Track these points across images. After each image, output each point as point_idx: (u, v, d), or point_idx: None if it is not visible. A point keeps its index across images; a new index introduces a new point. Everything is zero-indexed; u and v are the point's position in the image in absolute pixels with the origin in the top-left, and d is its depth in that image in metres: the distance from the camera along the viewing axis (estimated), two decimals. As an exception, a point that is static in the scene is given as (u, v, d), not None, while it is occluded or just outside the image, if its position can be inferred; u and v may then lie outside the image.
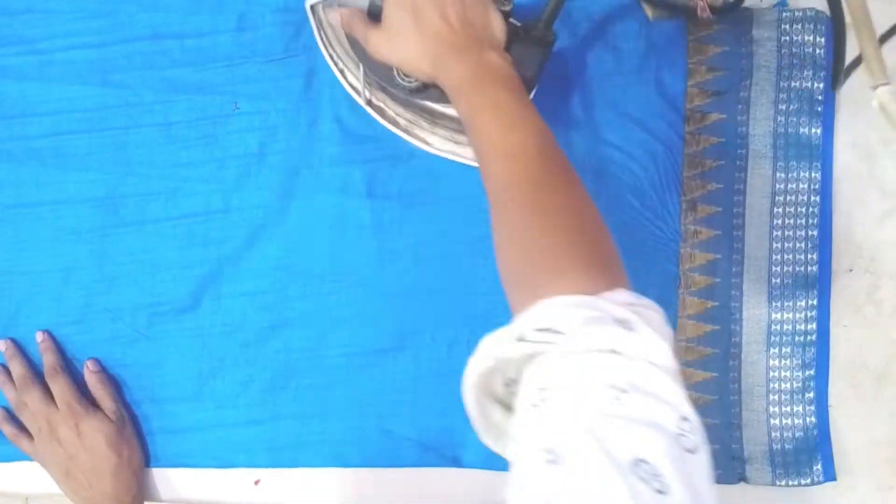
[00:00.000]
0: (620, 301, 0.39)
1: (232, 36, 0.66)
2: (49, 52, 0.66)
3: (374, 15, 0.55)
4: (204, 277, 0.66)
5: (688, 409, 0.34)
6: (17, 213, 0.67)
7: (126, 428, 0.65)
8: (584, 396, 0.34)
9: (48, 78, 0.66)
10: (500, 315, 0.65)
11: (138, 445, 0.66)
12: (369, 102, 0.64)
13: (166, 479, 0.68)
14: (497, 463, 0.66)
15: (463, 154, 0.63)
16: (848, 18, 0.48)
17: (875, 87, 0.48)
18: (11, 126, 0.66)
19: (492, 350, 0.39)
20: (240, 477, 0.67)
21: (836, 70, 0.53)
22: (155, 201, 0.66)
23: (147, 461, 0.67)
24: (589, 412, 0.33)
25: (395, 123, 0.64)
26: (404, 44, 0.53)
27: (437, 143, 0.64)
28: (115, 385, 0.66)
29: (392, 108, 0.64)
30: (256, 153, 0.66)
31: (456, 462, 0.66)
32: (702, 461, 0.33)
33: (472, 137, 0.50)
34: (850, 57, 0.52)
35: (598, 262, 0.43)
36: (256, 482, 0.67)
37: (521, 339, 0.38)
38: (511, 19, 0.56)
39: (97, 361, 0.66)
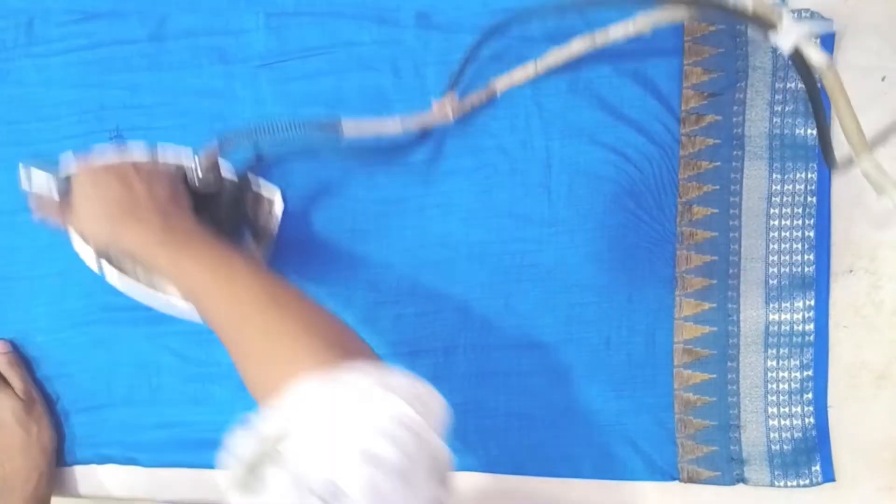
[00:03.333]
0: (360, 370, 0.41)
1: (230, 38, 0.66)
2: (46, 55, 0.67)
3: (66, 194, 0.56)
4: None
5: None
6: (14, 218, 0.68)
7: (36, 407, 0.66)
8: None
9: (45, 82, 0.67)
10: (497, 319, 0.66)
11: (49, 425, 0.67)
12: (108, 259, 0.60)
13: (166, 479, 0.68)
14: (494, 467, 0.67)
15: None
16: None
17: (858, 158, 0.49)
18: (9, 132, 0.67)
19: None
20: (240, 477, 0.68)
21: (826, 151, 0.53)
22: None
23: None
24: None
25: (137, 277, 0.60)
26: (86, 214, 0.54)
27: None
28: (28, 366, 0.67)
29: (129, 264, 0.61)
30: (252, 157, 0.66)
31: (453, 465, 0.67)
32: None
33: (180, 283, 0.51)
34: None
35: (333, 338, 0.45)
36: (256, 483, 0.68)
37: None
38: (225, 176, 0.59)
39: (7, 343, 0.67)
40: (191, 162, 0.59)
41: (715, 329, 0.66)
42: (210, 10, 0.67)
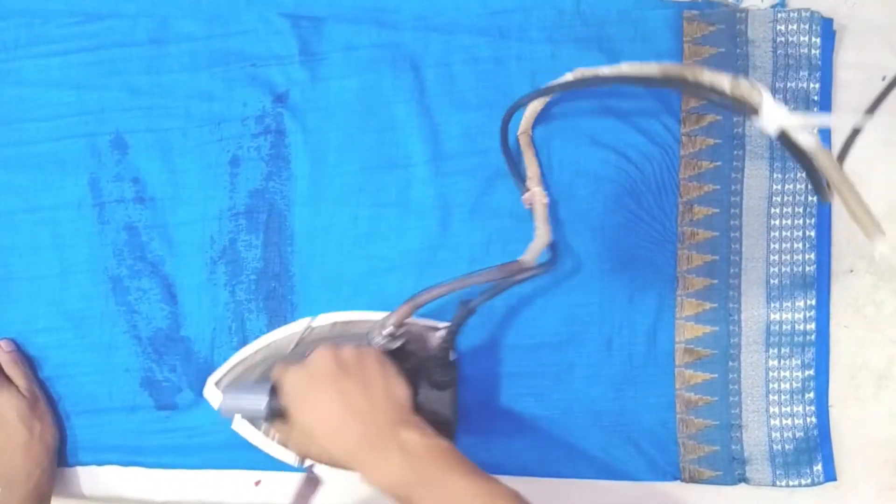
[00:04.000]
0: None
1: (230, 41, 0.66)
2: (46, 56, 0.67)
3: (277, 415, 0.54)
4: (202, 282, 0.67)
5: None
6: (15, 218, 0.67)
7: (39, 405, 0.66)
8: None
9: (46, 82, 0.67)
10: (498, 319, 0.66)
11: (52, 423, 0.67)
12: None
13: (167, 480, 0.68)
14: (495, 467, 0.67)
15: None
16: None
17: (871, 241, 0.44)
18: (10, 132, 0.67)
19: None
20: (240, 477, 0.68)
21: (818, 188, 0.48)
22: (152, 207, 0.67)
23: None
24: None
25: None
26: (317, 445, 0.52)
27: None
28: (30, 365, 0.68)
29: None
30: (255, 158, 0.67)
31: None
32: None
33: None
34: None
35: None
36: (257, 483, 0.68)
37: None
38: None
39: (11, 341, 0.67)
40: (377, 322, 0.58)
41: (716, 329, 0.66)
42: (210, 14, 0.67)
